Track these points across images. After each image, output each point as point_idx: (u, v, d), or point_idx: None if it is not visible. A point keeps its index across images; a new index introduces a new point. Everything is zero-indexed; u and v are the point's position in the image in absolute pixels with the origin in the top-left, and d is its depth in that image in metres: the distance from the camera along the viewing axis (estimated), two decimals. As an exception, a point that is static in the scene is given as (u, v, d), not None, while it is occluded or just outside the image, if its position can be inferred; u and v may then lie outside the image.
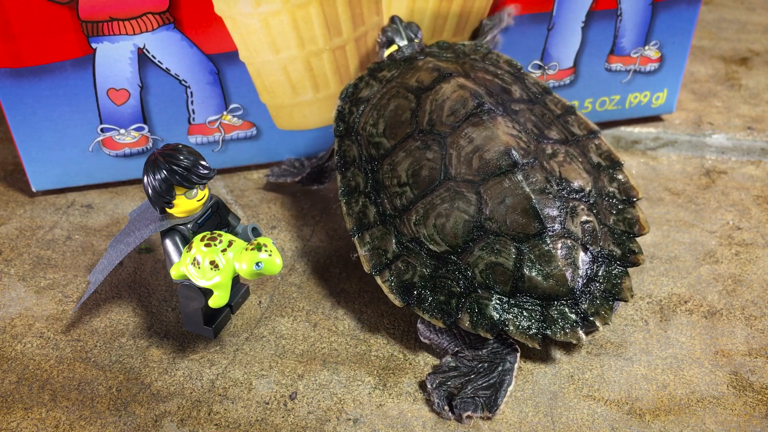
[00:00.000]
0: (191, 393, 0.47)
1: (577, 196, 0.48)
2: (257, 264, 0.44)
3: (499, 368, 0.46)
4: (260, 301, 0.54)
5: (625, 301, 0.46)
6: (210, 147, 0.63)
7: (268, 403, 0.47)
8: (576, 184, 0.49)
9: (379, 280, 0.46)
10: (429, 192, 0.48)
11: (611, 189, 0.51)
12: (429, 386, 0.46)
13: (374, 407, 0.46)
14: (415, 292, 0.46)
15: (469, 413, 0.45)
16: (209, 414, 0.46)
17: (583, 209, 0.48)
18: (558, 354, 0.49)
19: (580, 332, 0.45)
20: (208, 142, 0.63)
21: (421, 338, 0.49)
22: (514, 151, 0.48)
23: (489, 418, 0.45)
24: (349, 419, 0.46)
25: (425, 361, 0.49)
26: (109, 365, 0.49)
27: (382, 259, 0.47)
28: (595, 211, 0.49)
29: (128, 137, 0.61)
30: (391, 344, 0.50)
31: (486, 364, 0.46)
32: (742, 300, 0.53)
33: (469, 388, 0.46)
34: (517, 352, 0.47)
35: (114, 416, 0.46)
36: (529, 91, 0.54)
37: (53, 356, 0.50)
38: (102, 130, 0.61)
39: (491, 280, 0.45)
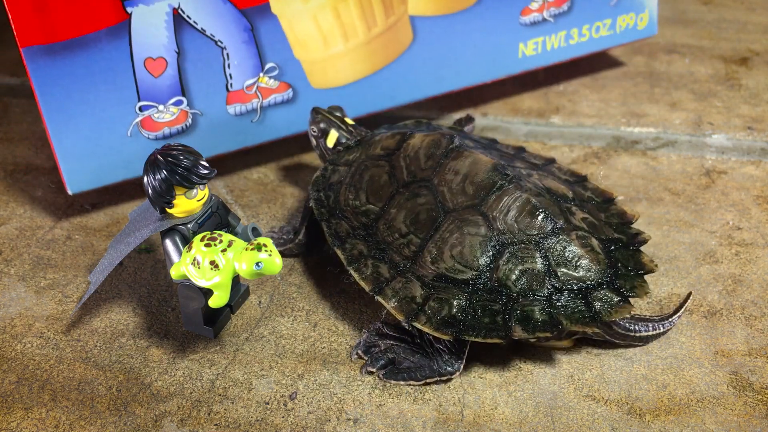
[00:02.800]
0: (191, 393, 0.47)
1: (565, 201, 0.50)
2: (257, 264, 0.44)
3: (432, 363, 0.47)
4: (260, 301, 0.54)
5: (652, 272, 0.48)
6: (248, 117, 0.62)
7: (268, 403, 0.47)
8: (560, 192, 0.51)
9: (418, 325, 0.46)
10: (434, 231, 0.48)
11: (588, 194, 0.53)
12: (367, 333, 0.49)
13: (374, 407, 0.46)
14: (460, 324, 0.45)
15: (370, 369, 0.48)
16: (209, 414, 0.46)
17: (576, 208, 0.50)
18: (558, 354, 0.49)
19: (629, 305, 0.46)
20: (247, 111, 0.62)
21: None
22: (501, 165, 0.50)
23: (371, 374, 0.48)
24: (349, 419, 0.46)
25: (425, 361, 0.49)
26: (109, 365, 0.49)
27: (412, 305, 0.47)
28: (585, 210, 0.50)
29: (167, 114, 0.60)
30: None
31: (420, 351, 0.48)
32: (742, 300, 0.53)
33: (390, 353, 0.48)
34: (458, 372, 0.47)
35: (114, 416, 0.46)
36: (481, 140, 0.58)
37: (53, 356, 0.50)
38: (140, 108, 0.59)
39: (527, 287, 0.46)
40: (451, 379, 0.47)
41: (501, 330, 0.45)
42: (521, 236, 0.47)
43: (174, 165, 0.45)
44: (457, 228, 0.48)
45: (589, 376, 0.48)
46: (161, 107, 0.60)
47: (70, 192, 0.60)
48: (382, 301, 0.47)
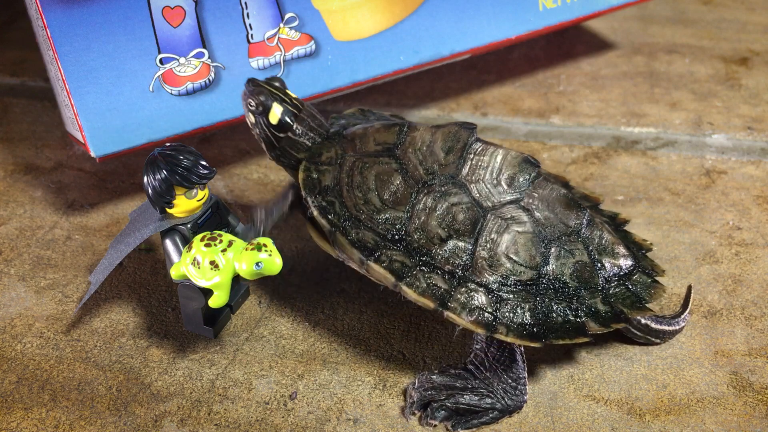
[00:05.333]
0: (191, 393, 0.47)
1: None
2: (257, 264, 0.44)
3: (494, 401, 0.45)
4: (260, 301, 0.54)
5: (650, 251, 0.49)
6: (273, 72, 0.61)
7: (268, 403, 0.47)
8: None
9: (501, 337, 0.44)
10: (479, 233, 0.45)
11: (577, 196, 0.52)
12: (417, 382, 0.46)
13: (374, 407, 0.46)
14: (541, 328, 0.44)
15: (435, 422, 0.45)
16: (209, 414, 0.46)
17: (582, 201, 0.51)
18: (558, 354, 0.49)
19: (663, 286, 0.47)
20: (270, 65, 0.61)
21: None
22: (530, 157, 0.48)
23: (432, 426, 0.45)
24: (349, 419, 0.46)
25: (425, 362, 0.49)
26: (109, 365, 0.49)
27: (486, 315, 0.44)
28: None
29: (189, 68, 0.59)
30: (391, 344, 0.50)
31: (484, 390, 0.46)
32: (742, 300, 0.53)
33: (452, 401, 0.45)
34: (519, 409, 0.46)
35: (114, 416, 0.46)
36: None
37: (53, 356, 0.50)
38: (161, 61, 0.58)
39: (583, 280, 0.45)
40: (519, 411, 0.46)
41: (579, 329, 0.44)
42: (562, 229, 0.46)
43: (174, 165, 0.45)
44: (505, 228, 0.45)
45: (589, 376, 0.48)
46: (182, 60, 0.59)
47: (93, 155, 0.58)
48: (453, 316, 0.44)
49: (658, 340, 0.49)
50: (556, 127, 0.70)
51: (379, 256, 0.45)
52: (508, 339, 0.43)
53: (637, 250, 0.48)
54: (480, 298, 0.44)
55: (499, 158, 0.47)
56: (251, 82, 0.50)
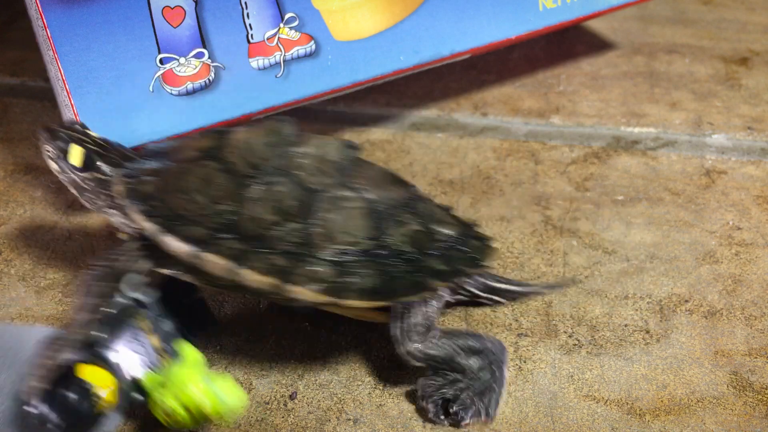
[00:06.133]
0: (191, 393, 0.47)
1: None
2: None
3: (494, 375, 0.46)
4: (260, 302, 0.53)
5: (477, 225, 0.52)
6: (272, 72, 0.61)
7: (268, 403, 0.47)
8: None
9: (348, 301, 0.45)
10: (311, 214, 0.46)
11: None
12: (422, 392, 0.46)
13: (374, 407, 0.46)
14: (381, 288, 0.45)
15: (467, 421, 0.45)
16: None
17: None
18: (558, 354, 0.49)
19: (496, 248, 0.51)
20: (270, 65, 0.61)
21: (412, 360, 0.47)
22: (350, 142, 0.50)
23: (490, 422, 0.45)
24: (349, 419, 0.46)
25: (425, 361, 0.49)
26: (109, 365, 0.49)
27: (329, 284, 0.45)
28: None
29: (189, 68, 0.59)
30: (391, 344, 0.50)
31: (481, 372, 0.46)
32: (742, 300, 0.53)
33: (465, 395, 0.45)
34: (506, 350, 0.47)
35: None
36: None
37: (53, 356, 0.50)
38: (161, 61, 0.58)
39: (419, 246, 0.47)
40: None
41: (424, 285, 0.46)
42: (393, 203, 0.48)
43: None
44: (335, 205, 0.47)
45: (589, 376, 0.48)
46: (182, 60, 0.59)
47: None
48: (297, 289, 0.45)
49: (504, 300, 0.52)
50: (556, 127, 0.70)
51: (216, 246, 0.45)
52: (356, 303, 0.45)
53: (463, 222, 0.51)
54: (321, 270, 0.45)
55: (319, 146, 0.49)
56: (45, 130, 0.50)
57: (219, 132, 0.50)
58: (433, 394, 0.46)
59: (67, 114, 0.60)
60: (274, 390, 0.48)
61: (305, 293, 0.45)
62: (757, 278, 0.54)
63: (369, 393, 0.47)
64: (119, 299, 0.46)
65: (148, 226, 0.46)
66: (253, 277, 0.45)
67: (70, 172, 0.50)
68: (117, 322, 0.44)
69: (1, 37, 0.86)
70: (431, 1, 0.65)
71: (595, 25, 0.84)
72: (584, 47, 0.81)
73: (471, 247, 0.49)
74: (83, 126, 0.51)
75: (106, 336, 0.43)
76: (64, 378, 0.40)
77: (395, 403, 0.47)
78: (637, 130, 0.70)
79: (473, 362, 0.46)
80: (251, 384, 0.48)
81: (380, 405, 0.47)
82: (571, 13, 0.70)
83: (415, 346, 0.46)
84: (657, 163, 0.65)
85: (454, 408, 0.45)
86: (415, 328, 0.47)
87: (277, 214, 0.46)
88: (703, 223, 0.59)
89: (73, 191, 0.51)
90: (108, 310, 0.45)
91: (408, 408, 0.46)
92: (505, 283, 0.52)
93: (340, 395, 0.47)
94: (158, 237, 0.45)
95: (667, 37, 0.82)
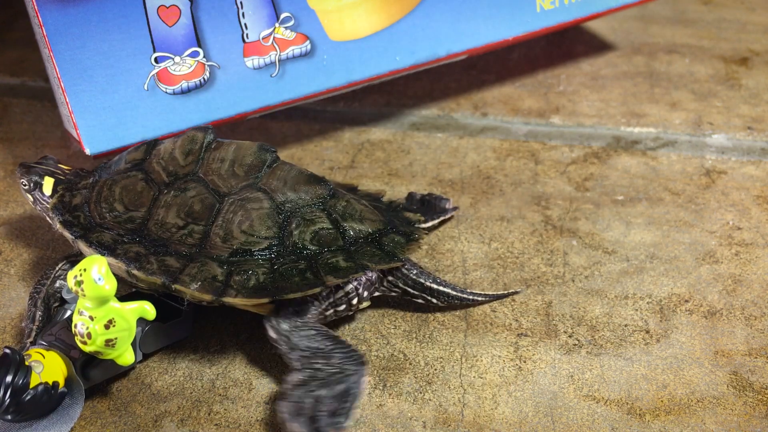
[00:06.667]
0: (191, 393, 0.47)
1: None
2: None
3: (349, 378, 0.45)
4: (260, 301, 0.54)
5: (420, 222, 0.53)
6: (267, 71, 0.62)
7: (268, 403, 0.47)
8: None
9: (230, 299, 0.46)
10: (215, 216, 0.48)
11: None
12: (287, 416, 0.44)
13: (374, 407, 0.46)
14: (273, 287, 0.46)
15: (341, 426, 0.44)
16: (209, 414, 0.46)
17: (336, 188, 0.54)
18: (558, 354, 0.49)
19: (416, 243, 0.51)
20: (265, 64, 0.61)
21: (270, 332, 0.47)
22: (266, 144, 0.51)
23: (344, 428, 0.43)
24: (349, 419, 0.46)
25: (425, 361, 0.49)
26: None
27: (215, 284, 0.46)
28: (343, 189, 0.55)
29: (184, 67, 0.59)
30: (391, 344, 0.50)
31: (335, 375, 0.45)
32: (742, 300, 0.53)
33: (324, 405, 0.44)
34: (364, 365, 0.46)
35: (114, 416, 0.46)
36: None
37: (53, 356, 0.50)
38: (156, 60, 0.59)
39: (324, 243, 0.48)
40: (364, 377, 0.45)
41: (314, 283, 0.47)
42: (303, 202, 0.49)
43: None
44: (240, 207, 0.48)
45: (589, 376, 0.48)
46: (177, 59, 0.59)
47: (88, 152, 0.58)
48: (182, 288, 0.46)
49: (436, 301, 0.52)
50: (556, 127, 0.70)
51: (115, 251, 0.48)
52: (238, 301, 0.46)
53: (407, 222, 0.52)
54: (211, 270, 0.47)
55: (234, 151, 0.51)
56: (21, 165, 0.54)
57: (149, 143, 0.53)
58: (297, 415, 0.44)
59: (63, 112, 0.60)
60: (274, 390, 0.48)
61: (190, 292, 0.46)
62: (757, 278, 0.54)
63: (369, 393, 0.47)
64: (53, 301, 0.51)
65: (66, 234, 0.50)
66: (144, 278, 0.47)
67: (44, 202, 0.53)
68: (54, 317, 0.49)
69: (1, 37, 0.86)
70: (428, 1, 0.65)
71: (594, 25, 0.84)
72: (584, 47, 0.81)
73: (388, 242, 0.50)
74: (55, 160, 0.55)
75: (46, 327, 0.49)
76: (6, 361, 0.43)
77: (395, 403, 0.47)
78: (637, 130, 0.70)
79: (323, 365, 0.46)
80: (251, 384, 0.48)
81: (380, 405, 0.47)
82: (569, 15, 0.70)
83: (277, 322, 0.47)
84: (657, 163, 0.65)
85: (319, 423, 0.43)
86: (285, 311, 0.48)
87: (183, 217, 0.49)
88: (703, 223, 0.59)
89: (48, 219, 0.54)
90: (42, 310, 0.51)
91: (408, 408, 0.46)
92: (442, 286, 0.52)
93: (340, 395, 0.47)
94: (74, 244, 0.50)
95: (667, 37, 0.82)
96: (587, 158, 0.66)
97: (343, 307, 0.50)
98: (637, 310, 0.52)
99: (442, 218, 0.59)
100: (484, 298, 0.53)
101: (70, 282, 0.43)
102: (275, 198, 0.49)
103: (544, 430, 0.45)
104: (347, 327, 0.51)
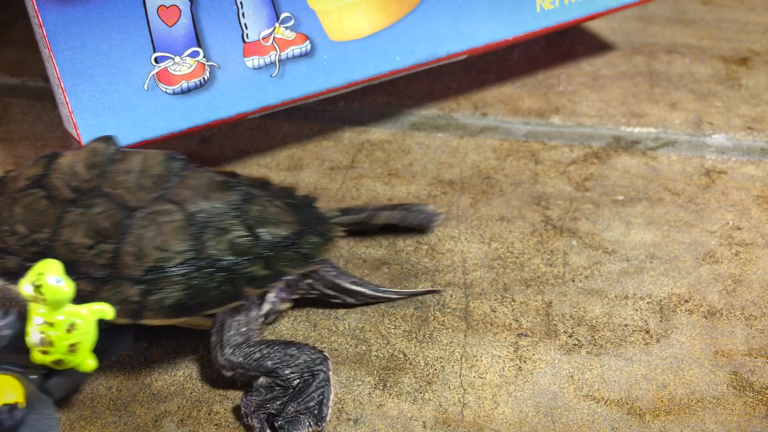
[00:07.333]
0: (191, 393, 0.47)
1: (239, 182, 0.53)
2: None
3: (315, 381, 0.45)
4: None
5: (337, 217, 0.54)
6: (267, 71, 0.62)
7: (268, 403, 0.47)
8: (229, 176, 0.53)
9: (147, 321, 0.45)
10: (125, 233, 0.47)
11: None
12: (245, 410, 0.44)
13: (374, 407, 0.47)
14: (190, 304, 0.45)
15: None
16: (209, 414, 0.46)
17: (250, 187, 0.53)
18: (558, 354, 0.49)
19: (333, 243, 0.50)
20: (265, 64, 0.61)
21: (223, 371, 0.47)
22: (174, 152, 0.50)
23: (322, 428, 0.44)
24: (349, 419, 0.46)
25: (425, 361, 0.49)
26: (108, 365, 0.49)
27: (131, 306, 0.45)
28: (256, 187, 0.54)
29: (184, 66, 0.59)
30: (391, 344, 0.50)
31: (300, 381, 0.45)
32: (742, 300, 0.53)
33: (291, 407, 0.44)
34: (329, 360, 0.46)
35: (114, 416, 0.46)
36: None
37: (53, 356, 0.50)
38: (156, 60, 0.58)
39: (239, 252, 0.47)
40: (328, 375, 0.46)
41: (234, 295, 0.46)
42: (215, 211, 0.48)
43: None
44: (151, 221, 0.47)
45: (589, 376, 0.48)
46: (177, 59, 0.59)
47: None
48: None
49: (356, 301, 0.52)
50: (556, 127, 0.70)
51: (18, 278, 0.44)
52: (155, 321, 0.45)
53: (322, 218, 0.52)
54: (125, 291, 0.45)
55: (140, 161, 0.49)
56: None
57: (48, 157, 0.51)
58: (256, 410, 0.44)
59: (63, 111, 0.60)
60: (274, 390, 0.48)
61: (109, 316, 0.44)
62: (757, 278, 0.54)
63: (369, 393, 0.47)
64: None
65: None
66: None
67: None
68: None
69: (1, 37, 0.86)
70: (428, 1, 0.65)
71: (594, 25, 0.84)
72: (584, 47, 0.81)
73: (305, 244, 0.49)
74: None
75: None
76: None
77: (395, 403, 0.47)
78: (637, 130, 0.70)
79: (289, 372, 0.46)
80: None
81: (380, 405, 0.47)
82: (569, 15, 0.70)
83: (225, 357, 0.46)
84: (657, 163, 0.65)
85: (279, 422, 0.44)
86: (228, 341, 0.47)
87: (91, 236, 0.47)
88: (703, 223, 0.59)
89: None
90: None
91: (408, 408, 0.46)
92: (359, 286, 0.51)
93: (340, 395, 0.47)
94: None
95: (667, 37, 0.82)
96: (587, 158, 0.66)
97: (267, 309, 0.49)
98: (637, 310, 0.52)
99: (365, 214, 0.57)
100: (401, 296, 0.53)
101: (24, 289, 0.41)
102: (187, 209, 0.47)
103: (544, 430, 0.45)
104: (347, 327, 0.51)
